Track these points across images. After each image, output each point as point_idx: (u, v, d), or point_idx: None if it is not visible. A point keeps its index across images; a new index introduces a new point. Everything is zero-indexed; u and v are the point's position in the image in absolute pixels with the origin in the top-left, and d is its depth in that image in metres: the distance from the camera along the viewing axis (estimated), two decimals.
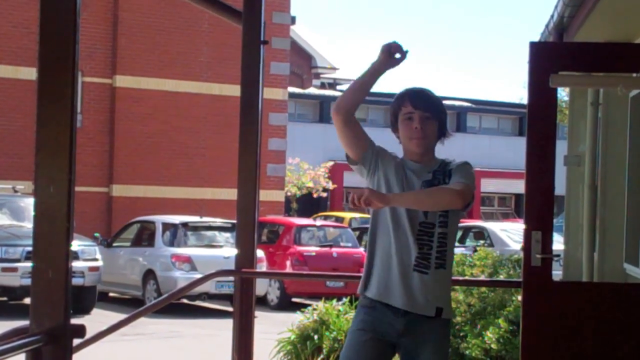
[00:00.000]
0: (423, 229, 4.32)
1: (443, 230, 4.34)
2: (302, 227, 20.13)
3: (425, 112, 4.36)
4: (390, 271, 4.32)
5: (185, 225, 18.48)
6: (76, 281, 15.85)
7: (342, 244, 19.86)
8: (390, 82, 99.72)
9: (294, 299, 18.70)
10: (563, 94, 19.80)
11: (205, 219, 19.35)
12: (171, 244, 18.17)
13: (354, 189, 4.19)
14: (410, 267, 4.30)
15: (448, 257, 4.38)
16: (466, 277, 9.94)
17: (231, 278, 7.26)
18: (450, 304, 4.47)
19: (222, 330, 13.01)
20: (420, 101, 4.39)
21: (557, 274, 7.27)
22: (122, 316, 6.82)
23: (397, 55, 4.31)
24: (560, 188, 7.41)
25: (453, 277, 10.03)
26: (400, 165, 4.40)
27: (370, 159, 4.39)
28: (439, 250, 4.33)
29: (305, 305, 10.96)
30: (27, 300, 12.53)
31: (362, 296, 4.42)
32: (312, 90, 41.02)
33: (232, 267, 6.58)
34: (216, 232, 18.76)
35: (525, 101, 6.42)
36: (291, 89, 32.49)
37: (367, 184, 4.40)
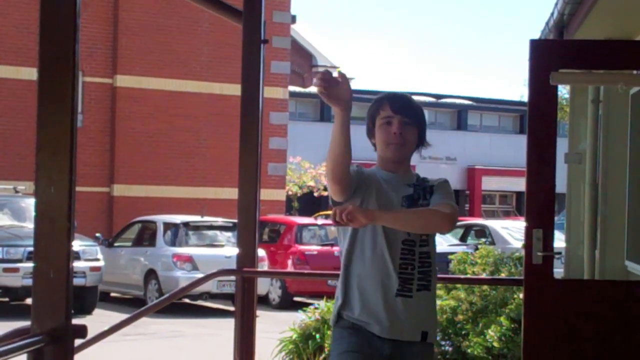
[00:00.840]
0: (406, 247, 4.04)
1: (425, 249, 4.07)
2: (303, 226, 20.13)
3: (405, 117, 4.09)
4: (370, 297, 4.03)
5: (186, 224, 18.50)
6: (78, 281, 15.86)
7: None
8: (390, 81, 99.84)
9: (296, 298, 18.70)
10: (564, 91, 19.79)
11: (206, 218, 19.36)
12: (172, 243, 18.19)
13: None
14: (392, 292, 4.01)
15: (432, 278, 4.10)
16: (468, 275, 9.95)
17: (232, 277, 7.27)
18: (436, 327, 4.22)
19: (224, 330, 13.01)
20: (401, 106, 4.12)
21: (559, 271, 7.27)
22: (123, 316, 6.83)
23: (335, 78, 3.76)
24: (561, 186, 7.41)
25: (454, 275, 10.09)
26: (373, 179, 4.10)
27: (353, 194, 4.03)
28: (422, 271, 4.05)
29: (307, 304, 10.95)
30: (29, 301, 12.54)
31: (340, 319, 4.11)
32: (312, 89, 41.03)
33: (233, 266, 6.59)
34: (217, 232, 18.78)
35: (525, 99, 6.41)
36: (292, 88, 32.50)
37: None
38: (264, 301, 18.17)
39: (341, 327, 4.10)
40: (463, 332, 9.12)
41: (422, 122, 4.19)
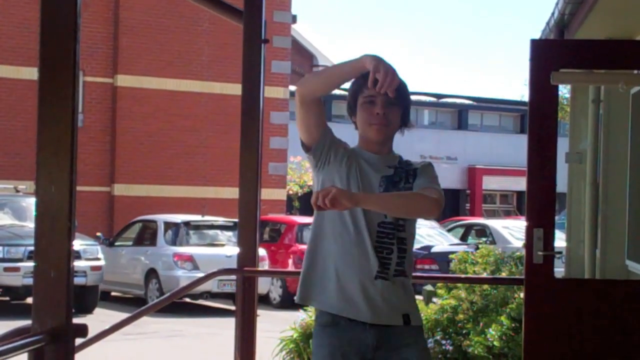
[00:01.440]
0: (383, 230, 3.85)
1: (402, 235, 3.88)
2: (304, 226, 20.11)
3: (389, 96, 3.82)
4: (347, 280, 3.83)
5: (187, 224, 18.50)
6: (78, 280, 15.87)
7: None
8: None
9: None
10: (564, 91, 19.79)
11: (207, 217, 19.36)
12: (173, 243, 18.19)
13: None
14: (372, 274, 3.82)
15: (407, 264, 3.91)
16: (468, 275, 9.95)
17: (233, 277, 7.25)
18: (418, 310, 4.00)
19: (225, 329, 13.01)
20: None
21: (559, 271, 7.27)
22: (124, 315, 6.82)
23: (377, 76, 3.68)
24: (562, 185, 7.41)
25: (455, 275, 10.08)
26: (352, 156, 3.91)
27: (322, 148, 3.91)
28: (400, 256, 3.87)
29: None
30: (30, 300, 12.55)
31: (319, 312, 3.92)
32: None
33: (234, 265, 6.58)
34: (218, 231, 18.79)
35: (526, 99, 6.41)
36: (292, 88, 32.46)
37: (315, 177, 4.01)
38: (265, 300, 18.18)
39: (320, 325, 3.92)
40: (464, 332, 9.12)
41: (406, 101, 3.97)
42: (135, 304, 16.81)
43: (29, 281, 14.25)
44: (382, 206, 3.77)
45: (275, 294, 18.90)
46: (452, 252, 11.63)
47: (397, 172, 3.94)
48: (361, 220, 3.83)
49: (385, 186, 3.90)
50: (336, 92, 40.64)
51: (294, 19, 30.30)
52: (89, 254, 17.02)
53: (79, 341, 3.84)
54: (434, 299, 10.54)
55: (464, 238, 22.76)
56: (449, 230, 23.32)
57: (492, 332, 8.79)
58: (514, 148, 39.52)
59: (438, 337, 9.11)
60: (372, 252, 3.82)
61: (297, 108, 3.88)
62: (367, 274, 3.83)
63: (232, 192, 22.61)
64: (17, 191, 18.65)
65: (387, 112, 3.89)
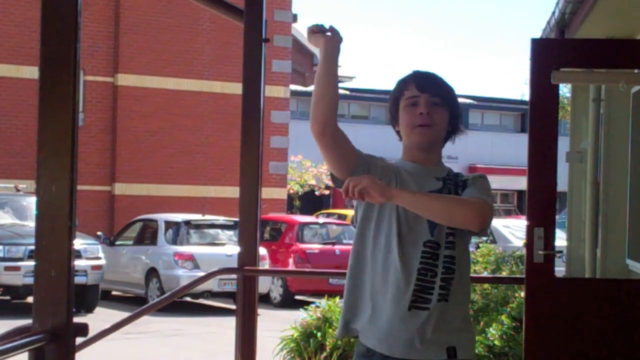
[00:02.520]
0: (428, 250, 3.40)
1: (450, 253, 3.41)
2: (304, 225, 20.13)
3: (434, 96, 3.48)
4: (383, 309, 3.39)
5: (187, 223, 18.51)
6: (79, 280, 15.87)
7: (344, 241, 19.86)
8: (391, 80, 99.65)
9: (297, 297, 18.70)
10: (565, 90, 19.79)
11: (207, 217, 19.37)
12: (174, 242, 18.20)
13: None
14: (406, 303, 3.37)
15: (455, 287, 3.42)
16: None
17: (234, 276, 7.25)
18: (470, 341, 3.50)
19: (225, 328, 13.02)
20: (428, 83, 3.51)
21: (560, 270, 7.26)
22: (125, 314, 6.82)
23: (327, 33, 3.44)
24: (562, 184, 7.41)
25: None
26: (393, 168, 3.51)
27: (361, 172, 3.43)
28: (444, 279, 3.39)
29: (308, 303, 10.95)
30: (30, 299, 12.57)
31: (358, 345, 3.50)
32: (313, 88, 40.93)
33: (234, 265, 6.58)
34: (219, 230, 18.80)
35: (527, 98, 6.40)
36: (293, 87, 32.49)
37: (355, 204, 3.52)
38: (266, 300, 18.19)
39: (357, 355, 3.52)
40: None
41: (454, 103, 3.56)
42: (135, 303, 16.82)
43: (30, 280, 14.27)
44: (415, 205, 3.35)
45: (276, 293, 18.91)
46: None
47: (445, 185, 3.50)
48: (394, 244, 3.40)
49: None
50: (338, 91, 40.68)
51: (294, 18, 30.31)
52: (89, 253, 17.03)
53: (79, 340, 3.84)
54: None
55: None
56: None
57: (493, 332, 8.79)
58: (515, 147, 39.55)
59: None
60: (404, 277, 3.39)
61: (327, 151, 3.43)
62: (401, 303, 3.38)
63: (232, 191, 22.64)
64: (18, 190, 18.66)
65: (431, 111, 3.48)
